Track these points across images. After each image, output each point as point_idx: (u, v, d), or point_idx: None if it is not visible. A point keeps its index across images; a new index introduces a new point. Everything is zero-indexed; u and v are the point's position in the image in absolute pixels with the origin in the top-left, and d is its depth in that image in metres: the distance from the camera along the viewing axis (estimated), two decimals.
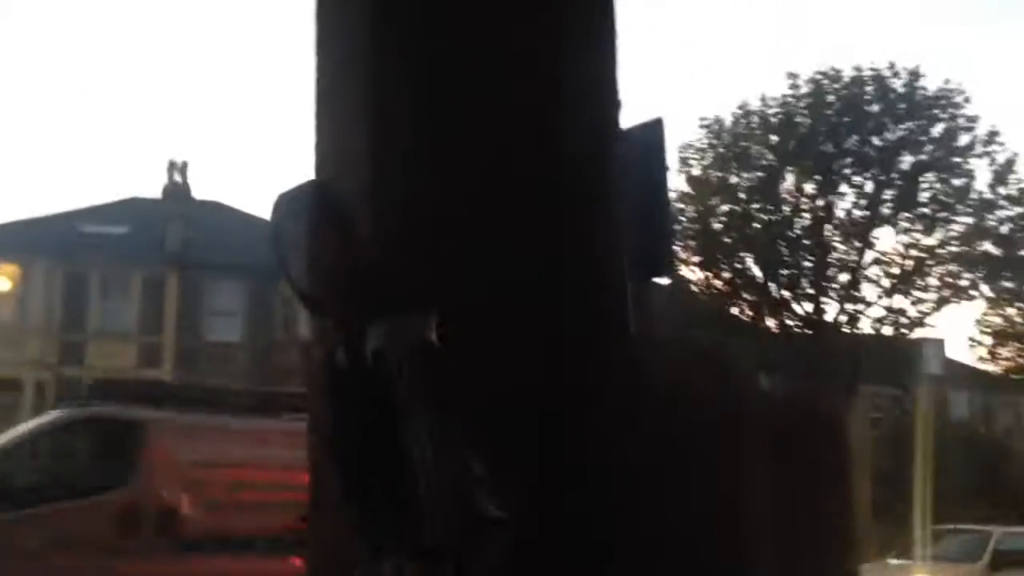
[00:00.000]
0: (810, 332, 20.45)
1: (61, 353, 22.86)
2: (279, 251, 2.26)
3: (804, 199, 20.83)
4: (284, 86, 57.46)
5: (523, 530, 2.69)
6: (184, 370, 23.67)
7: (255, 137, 57.36)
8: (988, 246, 20.56)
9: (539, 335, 2.88)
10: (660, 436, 3.49)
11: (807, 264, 20.80)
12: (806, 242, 20.70)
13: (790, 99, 20.44)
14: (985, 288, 21.35)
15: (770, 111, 20.62)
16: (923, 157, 20.19)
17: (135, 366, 23.40)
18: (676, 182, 20.55)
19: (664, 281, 5.88)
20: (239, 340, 24.39)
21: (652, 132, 3.82)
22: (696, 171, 21.11)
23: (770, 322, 20.94)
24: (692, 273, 20.88)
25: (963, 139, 20.36)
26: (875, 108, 20.20)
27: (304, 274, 2.22)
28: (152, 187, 33.80)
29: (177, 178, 25.83)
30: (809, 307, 20.86)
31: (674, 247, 5.16)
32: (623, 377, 3.27)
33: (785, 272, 20.72)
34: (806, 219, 20.78)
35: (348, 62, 3.06)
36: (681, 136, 22.56)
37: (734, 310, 21.12)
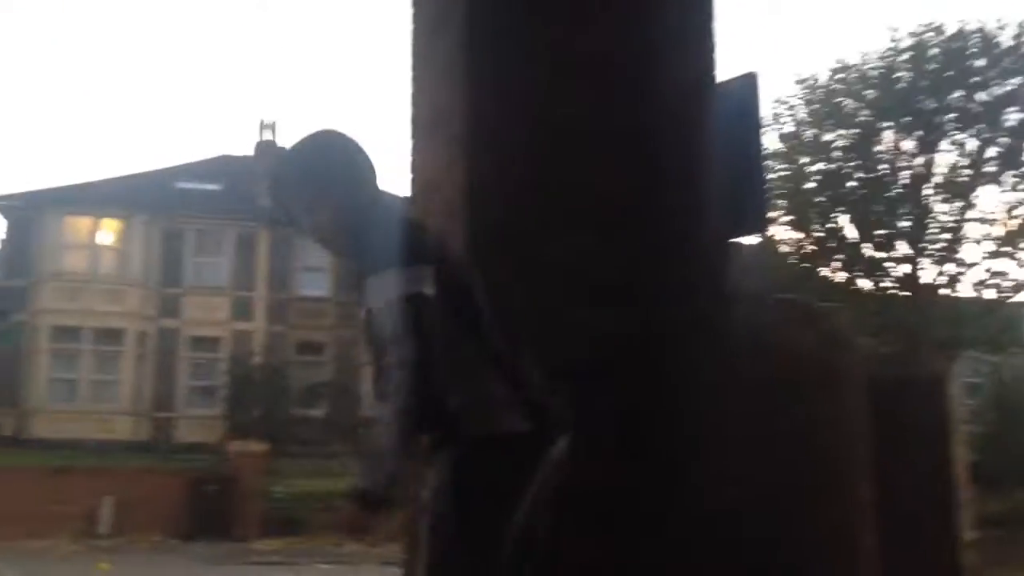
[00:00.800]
0: (907, 295, 19.87)
1: (160, 305, 23.74)
2: (283, 198, 2.41)
3: (903, 157, 20.14)
4: (376, 47, 57.81)
5: (610, 472, 2.74)
6: (274, 323, 24.38)
7: (343, 95, 58.01)
8: None
9: (632, 287, 2.88)
10: (753, 391, 3.47)
11: (904, 225, 20.14)
12: (904, 202, 20.05)
13: (890, 53, 19.71)
14: None
15: (868, 66, 19.92)
16: None
17: (228, 319, 24.18)
18: (768, 140, 20.09)
19: (754, 240, 5.77)
20: (327, 295, 24.94)
21: (747, 86, 3.74)
22: (789, 129, 20.58)
23: (864, 284, 20.41)
24: (783, 234, 20.46)
25: None
26: (980, 63, 19.33)
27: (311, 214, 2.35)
28: (243, 145, 34.57)
29: (268, 136, 26.36)
30: (906, 269, 20.25)
31: (768, 204, 5.06)
32: (718, 332, 3.25)
33: (881, 233, 20.11)
34: (904, 178, 20.11)
35: (442, 21, 3.07)
36: (774, 93, 21.95)
37: (826, 272, 20.64)
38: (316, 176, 2.35)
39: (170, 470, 19.05)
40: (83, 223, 23.51)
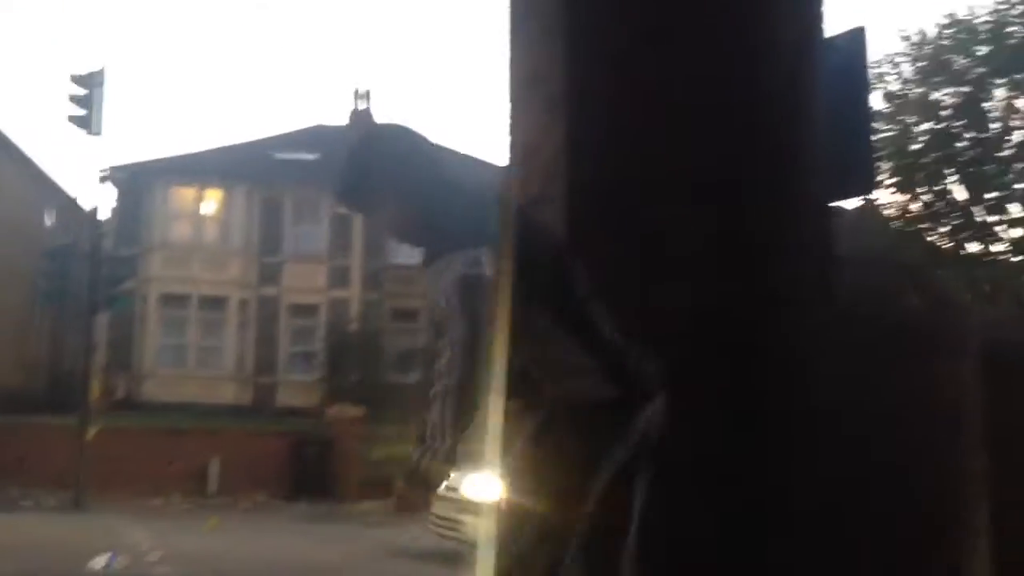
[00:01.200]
0: (1020, 259, 19.02)
1: (260, 274, 24.43)
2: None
3: (1015, 116, 19.19)
4: (473, 11, 57.74)
5: (710, 431, 2.72)
6: (370, 291, 24.83)
7: (440, 62, 58.24)
8: None
9: (737, 252, 2.84)
10: (861, 358, 3.39)
11: (1018, 187, 19.25)
12: (1017, 163, 19.13)
13: (1002, 7, 18.73)
14: None
15: (978, 21, 18.98)
16: None
17: (325, 287, 24.74)
18: (872, 100, 19.32)
19: (857, 203, 5.59)
20: (420, 263, 25.22)
21: (854, 42, 3.61)
22: (894, 87, 19.81)
23: (974, 248, 19.61)
24: (888, 197, 19.78)
25: None
26: None
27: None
28: (338, 115, 35.09)
29: (362, 105, 26.67)
30: (1018, 232, 19.37)
31: (875, 165, 4.89)
32: (825, 296, 3.18)
33: (992, 195, 19.26)
34: (1017, 137, 19.18)
35: None
36: (878, 50, 21.12)
37: (933, 237, 19.89)
38: (382, 166, 2.38)
39: (272, 433, 19.71)
40: (188, 193, 24.31)
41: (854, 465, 3.29)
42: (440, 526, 9.13)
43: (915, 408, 4.13)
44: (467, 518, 8.04)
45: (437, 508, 9.30)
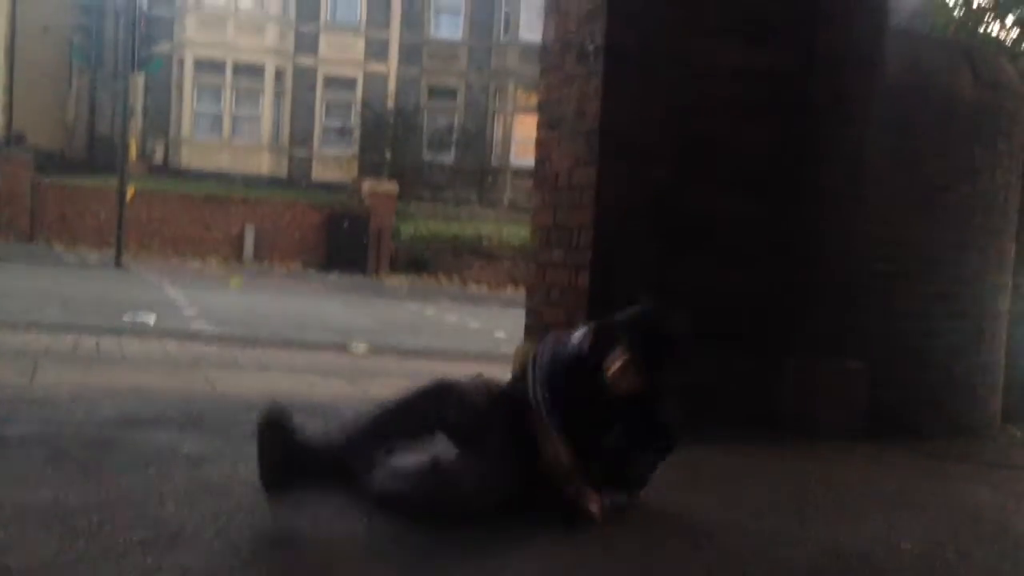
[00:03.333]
0: None
1: (296, 42, 23.91)
2: None
3: None
4: None
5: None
6: (407, 66, 24.30)
7: None
8: None
9: (780, 19, 2.70)
10: (905, 130, 3.30)
11: None
12: None
13: None
14: None
15: None
16: None
17: (362, 60, 24.23)
18: None
19: None
20: (460, 39, 24.52)
21: None
22: None
23: None
24: None
25: None
26: None
27: None
28: None
29: None
30: None
31: None
32: (872, 64, 3.07)
33: None
34: None
35: None
36: None
37: (996, 27, 18.76)
38: None
39: (308, 205, 19.96)
40: None
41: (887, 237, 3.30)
42: None
43: (950, 186, 4.03)
44: None
45: None
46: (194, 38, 23.04)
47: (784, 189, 3.96)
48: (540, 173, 4.46)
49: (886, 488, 3.28)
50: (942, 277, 4.23)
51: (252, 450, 2.81)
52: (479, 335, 9.55)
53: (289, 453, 2.33)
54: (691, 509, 2.70)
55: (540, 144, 4.30)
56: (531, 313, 4.37)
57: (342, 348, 7.14)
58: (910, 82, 3.71)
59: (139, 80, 21.17)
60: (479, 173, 23.78)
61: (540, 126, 4.31)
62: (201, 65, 23.19)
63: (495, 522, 2.30)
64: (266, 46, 23.44)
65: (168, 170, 22.39)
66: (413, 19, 24.30)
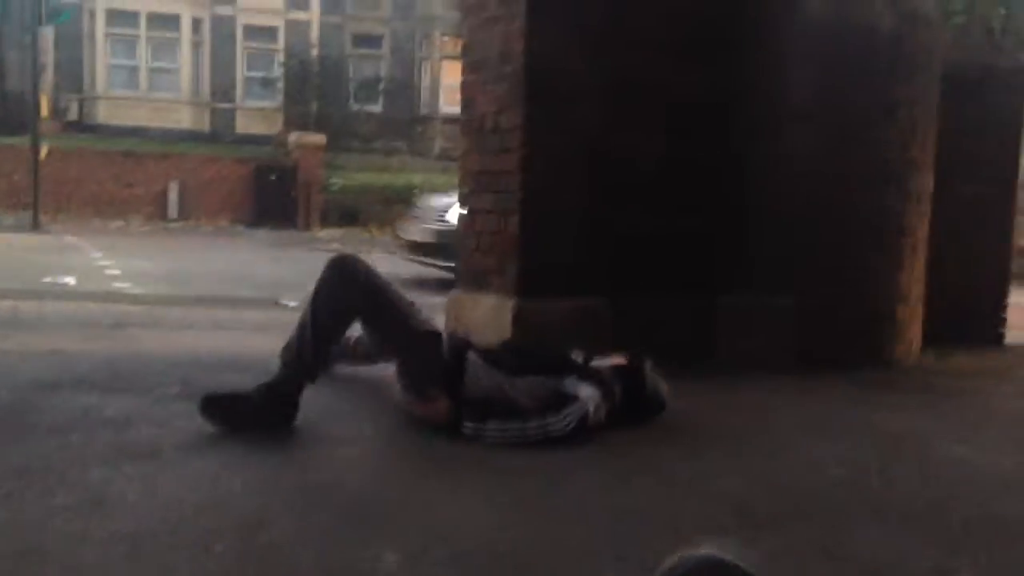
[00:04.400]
0: None
1: None
2: None
3: None
4: None
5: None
6: (330, 13, 23.71)
7: None
8: None
9: None
10: (827, 66, 3.33)
11: None
12: None
13: None
14: None
15: None
16: None
17: (283, 8, 23.57)
18: None
19: None
20: None
21: None
22: None
23: None
24: None
25: None
26: None
27: None
28: None
29: None
30: None
31: None
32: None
33: None
34: None
35: None
36: None
37: None
38: None
39: (232, 159, 19.47)
40: None
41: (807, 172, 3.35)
42: (412, 253, 9.06)
43: (870, 122, 4.08)
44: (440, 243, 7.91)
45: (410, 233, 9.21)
46: None
47: (712, 128, 3.97)
48: (466, 117, 4.39)
49: (814, 418, 3.36)
50: (865, 211, 4.32)
51: (179, 409, 2.76)
52: (414, 284, 9.48)
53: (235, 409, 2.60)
54: (619, 446, 2.73)
55: (465, 88, 4.23)
56: (461, 260, 4.33)
57: (272, 303, 7.03)
58: (830, 15, 3.74)
59: (48, 33, 20.30)
60: (408, 122, 23.48)
61: (464, 69, 4.24)
62: (113, 15, 22.33)
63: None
64: None
65: (84, 127, 21.63)
66: None
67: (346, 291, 2.72)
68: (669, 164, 3.94)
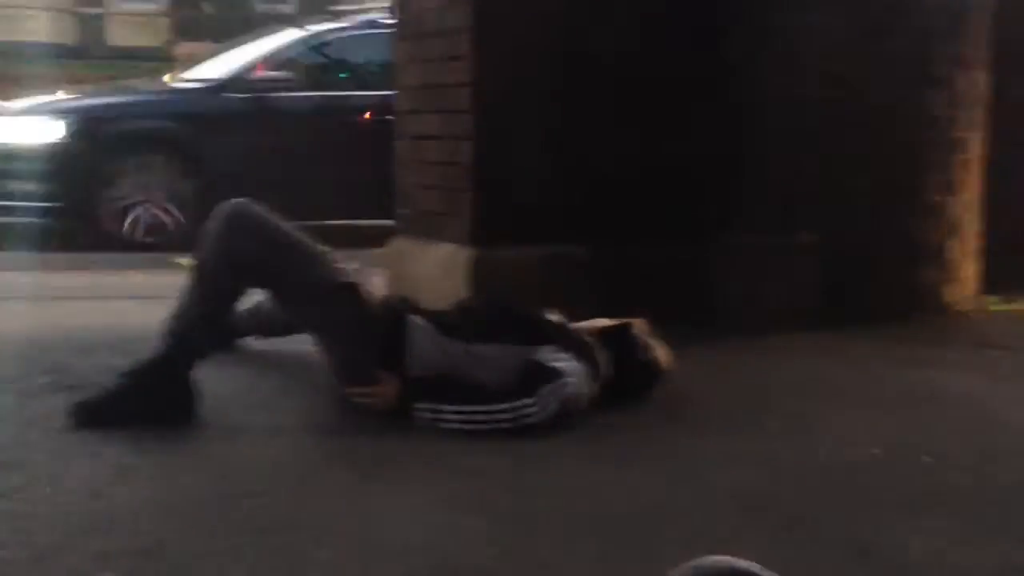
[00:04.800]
0: None
1: None
2: None
3: None
4: None
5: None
6: None
7: None
8: None
9: None
10: None
11: None
12: None
13: None
14: None
15: None
16: None
17: None
18: None
19: None
20: None
21: None
22: None
23: None
24: None
25: None
26: None
27: None
28: None
29: None
30: None
31: None
32: None
33: None
34: None
35: None
36: None
37: None
38: None
39: (107, 79, 19.11)
40: None
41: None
42: None
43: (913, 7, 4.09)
44: None
45: None
46: None
47: (716, 27, 3.93)
48: (402, 18, 4.31)
49: (845, 385, 3.37)
50: (903, 122, 4.30)
51: (50, 405, 2.71)
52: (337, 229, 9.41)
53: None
54: (608, 431, 2.72)
55: None
56: (403, 198, 4.28)
57: (165, 263, 6.93)
58: None
59: None
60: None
61: None
62: None
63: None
64: None
65: None
66: None
67: (239, 242, 2.68)
68: (664, 73, 3.90)
